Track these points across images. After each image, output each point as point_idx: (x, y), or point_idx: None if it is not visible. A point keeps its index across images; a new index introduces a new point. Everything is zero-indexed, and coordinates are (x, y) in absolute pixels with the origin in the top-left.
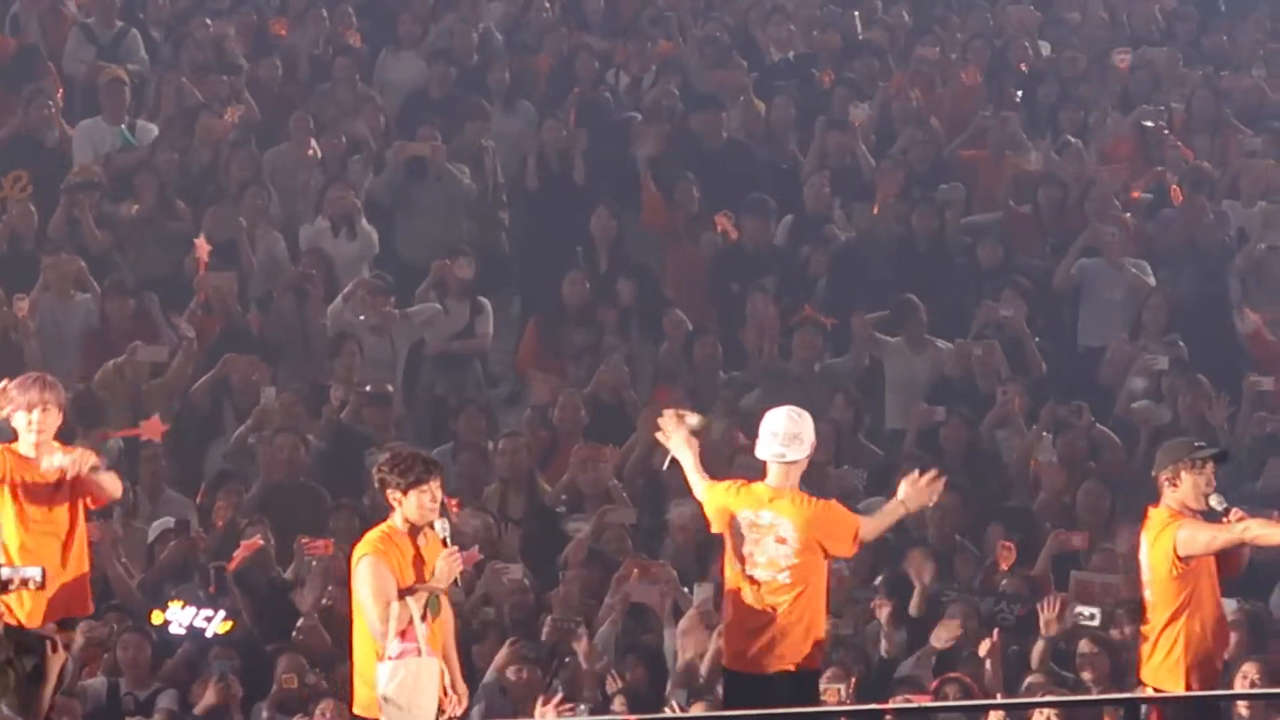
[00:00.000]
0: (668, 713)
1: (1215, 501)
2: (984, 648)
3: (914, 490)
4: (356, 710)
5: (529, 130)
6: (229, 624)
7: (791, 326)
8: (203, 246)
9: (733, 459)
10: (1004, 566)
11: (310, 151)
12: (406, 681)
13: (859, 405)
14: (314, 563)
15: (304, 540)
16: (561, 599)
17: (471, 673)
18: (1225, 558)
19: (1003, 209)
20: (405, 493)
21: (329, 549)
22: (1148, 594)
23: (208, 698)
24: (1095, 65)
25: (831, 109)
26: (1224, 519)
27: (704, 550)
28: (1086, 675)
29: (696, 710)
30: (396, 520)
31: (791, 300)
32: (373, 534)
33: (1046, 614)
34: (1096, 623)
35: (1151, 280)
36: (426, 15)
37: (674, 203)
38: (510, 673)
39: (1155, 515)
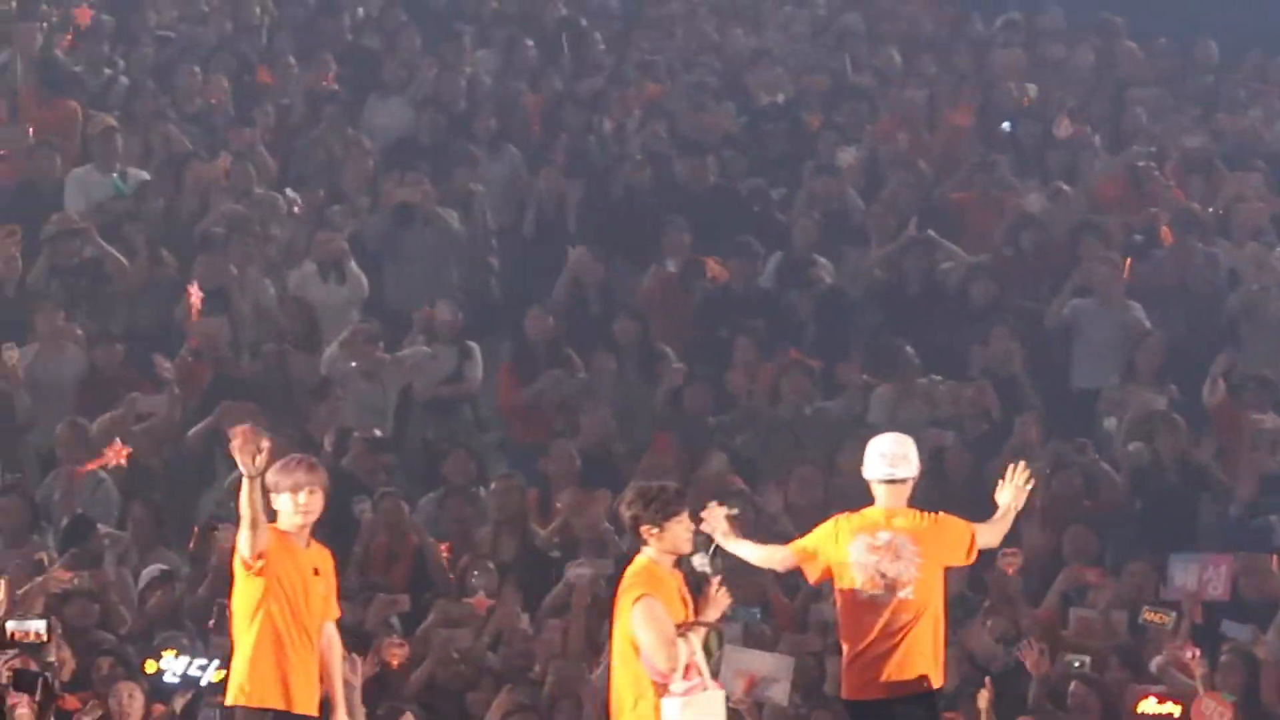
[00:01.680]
0: None
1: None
2: (982, 699)
3: (1016, 490)
4: None
5: (516, 175)
6: (223, 672)
7: (779, 370)
8: (195, 293)
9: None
10: (1010, 572)
11: (292, 204)
12: (698, 718)
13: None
14: None
15: None
16: (561, 644)
17: None
18: None
19: (993, 252)
20: (662, 526)
21: None
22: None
23: None
24: (1083, 106)
25: (819, 153)
26: None
27: None
28: (1078, 717)
29: None
30: (653, 554)
31: (778, 344)
32: (636, 571)
33: (1028, 655)
34: (1086, 668)
35: (1146, 322)
36: (411, 61)
37: (660, 249)
38: None
39: None
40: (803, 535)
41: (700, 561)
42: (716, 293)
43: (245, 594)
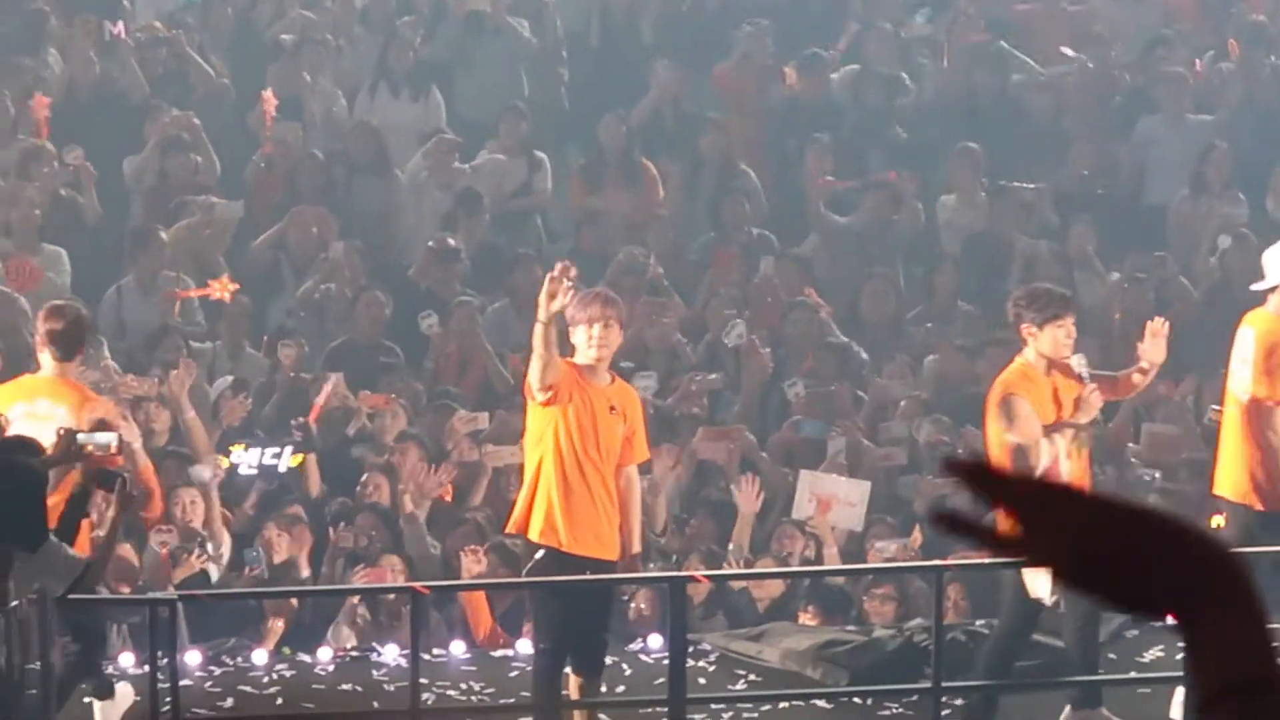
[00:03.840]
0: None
1: None
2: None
3: None
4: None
5: None
6: (300, 457)
7: (859, 188)
8: (270, 99)
9: (788, 313)
10: None
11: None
12: None
13: None
14: (371, 419)
15: (364, 395)
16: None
17: None
18: None
19: (1061, 64)
20: (1041, 327)
21: (389, 404)
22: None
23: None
24: None
25: None
26: None
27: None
28: None
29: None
30: (1030, 355)
31: (848, 157)
32: (1011, 371)
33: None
34: (1157, 483)
35: (1214, 136)
36: None
37: (745, 57)
38: None
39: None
40: (869, 351)
41: (1078, 362)
42: (789, 101)
43: (532, 424)
